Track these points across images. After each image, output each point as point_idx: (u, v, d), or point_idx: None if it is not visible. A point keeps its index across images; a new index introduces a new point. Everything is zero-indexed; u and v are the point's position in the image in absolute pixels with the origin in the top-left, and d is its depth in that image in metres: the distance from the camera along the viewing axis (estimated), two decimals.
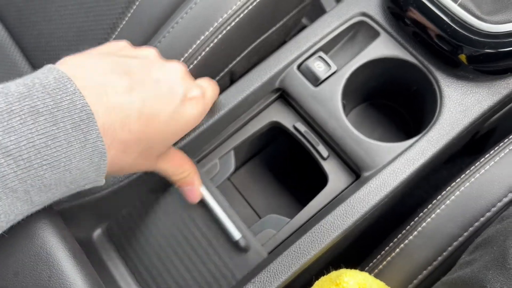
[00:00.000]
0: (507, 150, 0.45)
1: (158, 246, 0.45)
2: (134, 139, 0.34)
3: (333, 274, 0.41)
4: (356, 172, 0.45)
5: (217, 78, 0.53)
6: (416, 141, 0.44)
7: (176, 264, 0.44)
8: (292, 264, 0.41)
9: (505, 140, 0.45)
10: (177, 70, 0.38)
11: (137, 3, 0.54)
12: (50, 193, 0.30)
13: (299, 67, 0.48)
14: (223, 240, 0.44)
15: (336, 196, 0.44)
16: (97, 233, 0.46)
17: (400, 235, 0.45)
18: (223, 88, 0.47)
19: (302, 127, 0.47)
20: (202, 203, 0.45)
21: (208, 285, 0.43)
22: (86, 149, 0.30)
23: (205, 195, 0.45)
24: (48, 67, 0.31)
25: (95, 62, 0.33)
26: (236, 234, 0.43)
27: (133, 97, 0.33)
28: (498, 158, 0.44)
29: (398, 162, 0.43)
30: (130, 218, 0.46)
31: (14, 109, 0.27)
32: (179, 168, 0.42)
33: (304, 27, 0.52)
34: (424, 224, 0.44)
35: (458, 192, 0.44)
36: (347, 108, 0.51)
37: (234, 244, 0.44)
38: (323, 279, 0.41)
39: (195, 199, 0.44)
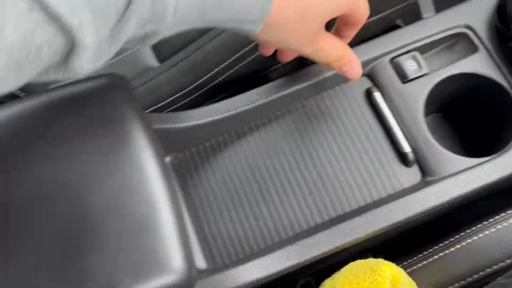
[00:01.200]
0: None
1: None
2: None
3: (371, 260, 0.43)
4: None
5: None
6: (486, 161, 0.44)
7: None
8: (337, 239, 0.43)
9: None
10: None
11: None
12: (219, 12, 0.34)
13: (391, 60, 0.49)
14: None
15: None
16: (165, 160, 0.49)
17: (441, 244, 0.46)
18: None
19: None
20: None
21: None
22: None
23: (379, 102, 0.47)
24: None
25: None
26: (406, 147, 0.46)
27: None
28: None
29: (463, 175, 0.44)
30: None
31: None
32: (335, 48, 0.43)
33: (396, 26, 0.52)
34: (469, 240, 0.45)
35: None
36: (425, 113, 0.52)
37: (402, 156, 0.46)
38: (359, 262, 0.43)
39: (356, 75, 0.45)
